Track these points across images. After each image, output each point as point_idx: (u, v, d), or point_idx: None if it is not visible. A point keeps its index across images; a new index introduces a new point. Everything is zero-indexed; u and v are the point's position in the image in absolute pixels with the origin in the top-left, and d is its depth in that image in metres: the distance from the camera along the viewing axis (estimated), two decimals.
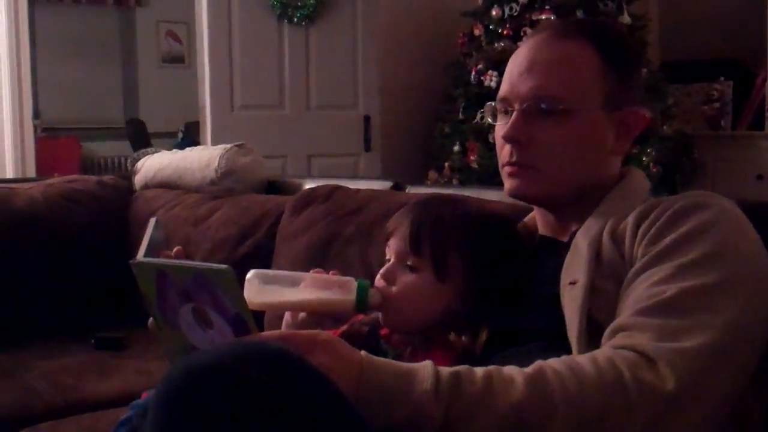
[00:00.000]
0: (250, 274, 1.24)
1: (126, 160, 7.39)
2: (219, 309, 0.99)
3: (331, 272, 1.31)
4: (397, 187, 2.18)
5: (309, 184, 2.45)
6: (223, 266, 0.96)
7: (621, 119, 1.27)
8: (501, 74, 4.34)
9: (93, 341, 2.21)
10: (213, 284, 0.97)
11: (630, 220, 1.18)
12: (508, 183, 1.30)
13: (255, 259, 2.17)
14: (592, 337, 1.10)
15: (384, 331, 1.31)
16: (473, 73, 4.28)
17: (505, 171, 1.30)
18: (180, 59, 7.92)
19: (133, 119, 7.45)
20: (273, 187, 2.57)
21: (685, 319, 1.04)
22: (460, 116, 4.39)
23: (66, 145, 6.99)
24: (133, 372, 1.97)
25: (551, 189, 1.27)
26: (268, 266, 2.11)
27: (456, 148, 4.38)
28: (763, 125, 4.59)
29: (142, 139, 7.12)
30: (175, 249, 1.25)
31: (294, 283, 1.25)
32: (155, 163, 2.72)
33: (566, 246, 1.24)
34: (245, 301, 1.00)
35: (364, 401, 0.94)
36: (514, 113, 1.26)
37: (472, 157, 4.27)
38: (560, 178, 1.26)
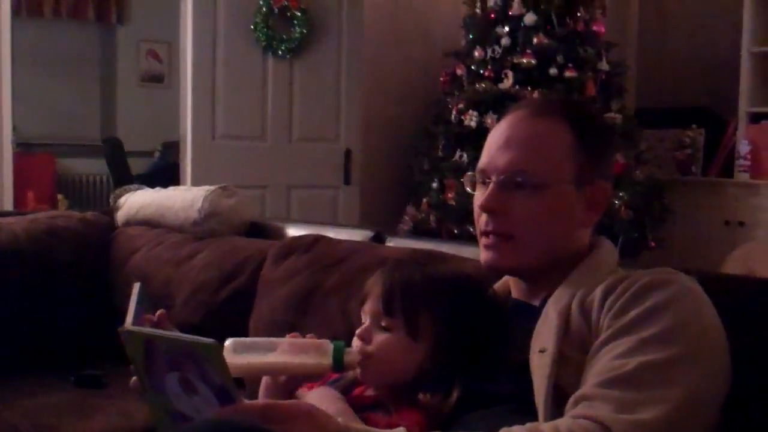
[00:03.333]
0: (227, 343, 1.28)
1: (102, 178, 7.41)
2: (205, 380, 1.02)
3: (308, 335, 1.36)
4: (378, 237, 2.22)
5: (291, 229, 2.50)
6: (210, 340, 1.00)
7: (591, 194, 1.34)
8: (481, 114, 4.45)
9: (73, 379, 2.23)
10: (199, 357, 1.01)
11: (597, 292, 1.25)
12: (483, 254, 1.37)
13: (236, 304, 2.21)
14: (558, 403, 1.17)
15: (357, 390, 1.36)
16: (454, 112, 4.36)
17: (481, 242, 1.37)
18: (160, 78, 7.90)
19: (110, 138, 7.41)
20: (255, 228, 2.61)
21: (643, 393, 1.10)
22: (440, 153, 4.46)
23: (41, 161, 6.93)
24: (114, 412, 1.99)
25: (524, 259, 1.34)
26: (248, 312, 2.15)
27: (434, 184, 4.45)
28: (732, 172, 4.70)
29: (118, 158, 7.09)
30: (158, 313, 1.29)
31: (270, 349, 1.30)
32: (138, 201, 2.75)
33: (537, 310, 1.31)
34: (230, 373, 1.04)
35: None
36: (491, 185, 1.34)
37: (449, 195, 4.33)
38: (532, 248, 1.33)
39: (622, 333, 1.17)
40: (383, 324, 1.34)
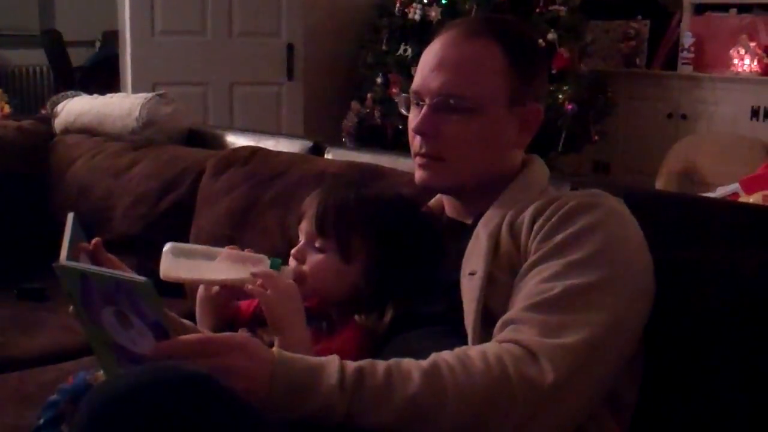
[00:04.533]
0: (166, 248, 1.30)
1: (42, 69, 7.19)
2: (139, 315, 1.03)
3: (246, 250, 1.38)
4: (317, 148, 2.23)
5: (230, 137, 2.49)
6: (143, 279, 1.01)
7: (523, 115, 1.36)
8: (425, 7, 4.39)
9: (15, 291, 2.23)
10: (133, 293, 1.02)
11: (527, 214, 1.28)
12: (417, 173, 1.39)
13: (175, 216, 2.22)
14: (486, 325, 1.21)
15: (308, 303, 1.39)
16: (398, 4, 4.30)
17: (416, 161, 1.39)
18: None
19: (48, 30, 7.16)
20: (194, 135, 2.59)
21: (568, 316, 1.15)
22: (384, 47, 4.42)
23: None
24: (58, 328, 1.99)
25: (456, 179, 1.37)
26: (188, 224, 2.16)
27: (379, 79, 4.42)
28: (675, 65, 4.73)
29: (58, 49, 6.88)
30: (93, 241, 1.30)
31: (209, 258, 1.32)
32: (76, 108, 2.70)
33: (470, 228, 1.35)
34: (164, 310, 1.05)
35: (276, 396, 1.03)
36: (425, 107, 1.34)
37: (394, 90, 4.32)
38: (465, 170, 1.36)
39: (550, 256, 1.21)
40: (317, 245, 1.37)
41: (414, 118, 1.37)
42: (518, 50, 1.35)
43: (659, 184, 3.99)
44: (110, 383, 0.95)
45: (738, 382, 1.28)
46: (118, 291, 1.03)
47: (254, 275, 1.26)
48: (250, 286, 1.25)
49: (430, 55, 1.36)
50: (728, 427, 1.28)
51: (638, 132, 4.82)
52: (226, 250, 1.34)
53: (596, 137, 4.50)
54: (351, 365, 1.08)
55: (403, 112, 1.42)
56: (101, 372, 1.32)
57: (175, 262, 1.29)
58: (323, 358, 1.08)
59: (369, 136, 4.44)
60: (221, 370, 1.00)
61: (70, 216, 1.27)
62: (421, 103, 1.36)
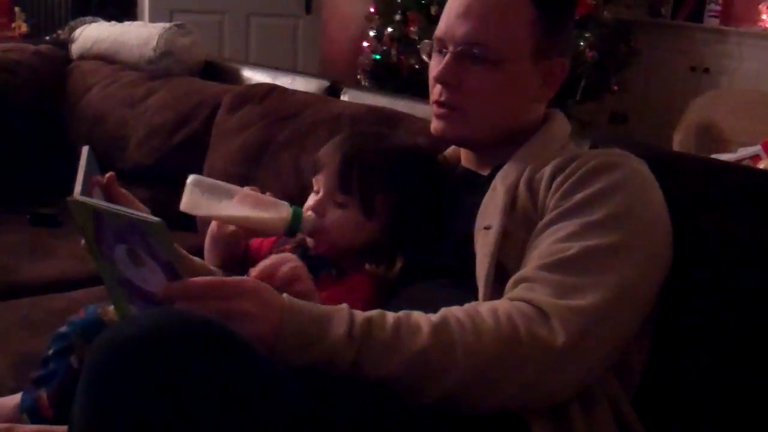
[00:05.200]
0: (189, 179, 1.28)
1: None
2: (151, 254, 1.03)
3: (267, 193, 1.36)
4: (333, 88, 2.21)
5: (246, 72, 2.47)
6: (156, 219, 1.00)
7: (547, 69, 1.33)
8: None
9: (28, 216, 2.24)
10: (145, 233, 1.02)
11: (546, 170, 1.26)
12: (434, 123, 1.37)
13: (189, 150, 2.22)
14: (499, 280, 1.19)
15: (319, 250, 1.39)
16: None
17: (434, 110, 1.37)
18: None
19: None
20: (210, 68, 2.57)
21: (582, 278, 1.13)
22: None
23: None
24: (68, 255, 2.01)
25: (474, 132, 1.35)
26: (201, 159, 2.15)
27: (397, 17, 4.35)
28: (702, 17, 4.65)
29: None
30: (107, 175, 1.29)
31: (230, 196, 1.30)
32: (93, 34, 2.68)
33: (485, 181, 1.33)
34: (176, 250, 1.04)
35: (283, 342, 1.03)
36: (448, 55, 1.31)
37: (412, 28, 4.26)
38: (484, 122, 1.33)
39: (568, 215, 1.19)
40: (338, 200, 1.35)
41: (436, 65, 1.34)
42: (548, 2, 1.32)
43: (677, 138, 3.95)
44: (118, 329, 0.94)
45: (752, 354, 1.26)
46: (130, 230, 1.02)
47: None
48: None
49: (457, 1, 1.33)
50: (738, 398, 1.28)
51: (659, 84, 4.76)
52: (247, 191, 1.33)
53: (615, 87, 4.45)
54: (360, 315, 1.07)
55: (425, 58, 1.39)
56: (111, 306, 1.33)
57: (196, 198, 1.28)
58: (333, 307, 1.08)
59: (385, 74, 4.39)
60: (230, 314, 1.00)
61: (85, 149, 1.26)
62: (444, 50, 1.33)
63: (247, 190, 1.33)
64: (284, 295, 1.08)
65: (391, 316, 1.08)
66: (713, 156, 3.18)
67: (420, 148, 1.48)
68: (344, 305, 1.08)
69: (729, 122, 3.95)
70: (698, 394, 1.30)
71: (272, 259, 1.23)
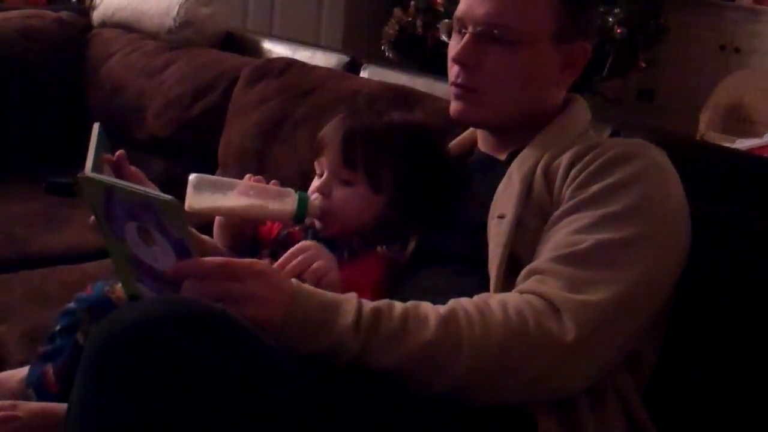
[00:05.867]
0: (191, 178, 1.28)
1: None
2: (163, 232, 1.02)
3: (272, 183, 1.35)
4: (353, 63, 2.18)
5: (267, 44, 2.45)
6: (169, 197, 0.99)
7: (569, 53, 1.31)
8: None
9: (45, 185, 2.24)
10: (159, 211, 1.01)
11: (564, 159, 1.23)
12: (452, 104, 1.35)
13: (206, 122, 2.21)
14: (511, 270, 1.18)
15: (329, 231, 1.38)
16: None
17: (452, 91, 1.35)
18: None
19: None
20: (231, 39, 2.55)
21: (596, 272, 1.11)
22: None
23: None
24: (83, 226, 1.97)
25: (492, 115, 1.33)
26: (218, 131, 2.15)
27: None
28: None
29: None
30: (117, 153, 1.28)
31: (233, 188, 1.29)
32: (114, 2, 2.66)
33: (502, 165, 1.31)
34: (188, 229, 1.03)
35: (289, 328, 1.01)
36: (467, 36, 1.29)
37: (438, 0, 4.21)
38: (502, 105, 1.31)
39: (584, 206, 1.17)
40: (344, 177, 1.33)
41: (454, 46, 1.32)
42: None
43: (704, 118, 3.90)
44: (118, 315, 0.93)
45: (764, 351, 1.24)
46: (143, 207, 1.01)
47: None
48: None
49: None
50: (752, 394, 1.26)
51: (687, 62, 4.68)
52: (251, 183, 1.32)
53: (643, 64, 4.37)
54: (368, 305, 1.05)
55: (444, 38, 1.37)
56: (119, 285, 1.33)
57: (199, 194, 1.27)
58: (341, 296, 1.06)
59: (409, 46, 4.34)
60: (238, 296, 1.00)
61: (96, 125, 1.25)
62: (463, 30, 1.30)
63: (249, 181, 1.33)
64: (293, 280, 1.06)
65: (399, 306, 1.06)
66: (740, 139, 3.14)
67: (423, 123, 1.46)
68: (353, 294, 1.07)
69: (758, 103, 3.89)
70: (710, 389, 1.28)
71: (295, 252, 1.23)
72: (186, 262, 1.01)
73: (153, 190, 1.08)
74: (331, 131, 1.37)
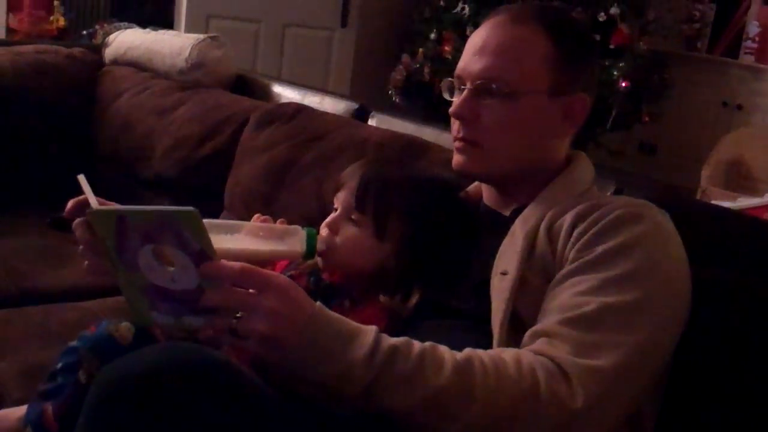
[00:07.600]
0: None
1: None
2: (182, 246, 1.00)
3: (278, 221, 1.36)
4: (362, 110, 2.21)
5: (277, 87, 2.47)
6: (190, 208, 0.99)
7: (567, 105, 1.32)
8: None
9: (49, 220, 2.24)
10: (177, 224, 1.00)
11: (567, 218, 1.24)
12: (455, 158, 1.37)
13: (214, 164, 2.22)
14: (514, 327, 1.18)
15: (332, 278, 1.38)
16: None
17: (454, 145, 1.37)
18: None
19: None
20: (241, 82, 2.57)
21: (602, 336, 1.12)
22: (441, 2, 4.35)
23: None
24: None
25: (493, 166, 1.34)
26: (225, 174, 2.16)
27: (432, 35, 4.36)
28: (737, 53, 4.61)
29: None
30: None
31: (238, 230, 1.29)
32: (127, 40, 2.70)
33: (507, 221, 1.32)
34: (209, 238, 1.02)
35: (299, 349, 1.00)
36: (465, 91, 1.32)
37: (446, 48, 4.26)
38: (502, 157, 1.33)
39: (588, 269, 1.18)
40: (353, 217, 1.35)
41: (454, 103, 1.34)
42: (566, 39, 1.32)
43: (705, 173, 3.91)
44: (122, 363, 0.94)
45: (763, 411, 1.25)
46: (160, 226, 1.00)
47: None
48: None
49: (475, 39, 1.34)
50: None
51: (690, 117, 4.72)
52: (256, 224, 1.32)
53: (647, 118, 4.42)
54: (388, 342, 1.04)
55: (447, 97, 1.40)
56: (124, 324, 1.33)
57: None
58: (362, 326, 1.05)
59: (416, 92, 4.39)
60: (256, 308, 0.99)
61: (81, 177, 1.26)
62: (462, 87, 1.33)
63: (256, 223, 1.33)
64: (317, 303, 1.05)
65: (417, 347, 1.05)
66: (742, 198, 3.16)
67: (443, 180, 1.47)
68: (374, 327, 1.05)
69: (759, 160, 3.91)
70: None
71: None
72: (208, 264, 0.99)
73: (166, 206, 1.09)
74: (351, 171, 1.39)
